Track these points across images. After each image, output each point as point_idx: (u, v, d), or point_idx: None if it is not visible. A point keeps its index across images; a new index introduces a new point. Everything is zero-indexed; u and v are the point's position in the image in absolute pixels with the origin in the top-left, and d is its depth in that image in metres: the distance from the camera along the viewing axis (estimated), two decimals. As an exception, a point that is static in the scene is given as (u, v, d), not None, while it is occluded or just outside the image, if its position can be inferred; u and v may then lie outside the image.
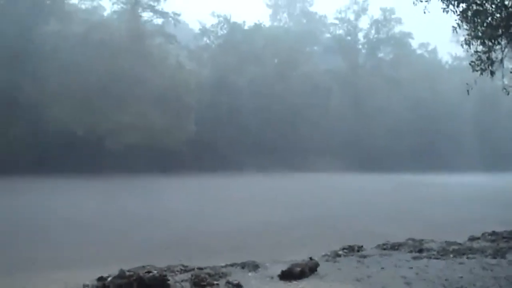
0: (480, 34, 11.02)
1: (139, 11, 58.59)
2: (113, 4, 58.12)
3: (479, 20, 10.91)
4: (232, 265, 8.42)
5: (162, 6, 60.33)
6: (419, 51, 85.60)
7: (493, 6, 10.90)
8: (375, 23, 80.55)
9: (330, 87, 68.38)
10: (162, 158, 49.35)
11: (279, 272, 7.70)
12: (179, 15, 62.04)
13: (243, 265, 8.39)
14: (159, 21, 61.55)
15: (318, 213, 19.89)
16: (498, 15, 10.80)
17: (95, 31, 50.42)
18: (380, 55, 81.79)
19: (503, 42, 11.15)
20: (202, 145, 54.43)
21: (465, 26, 11.30)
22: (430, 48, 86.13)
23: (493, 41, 11.06)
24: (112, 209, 20.47)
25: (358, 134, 67.71)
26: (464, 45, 11.56)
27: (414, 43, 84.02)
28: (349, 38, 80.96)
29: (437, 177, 48.89)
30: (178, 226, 16.07)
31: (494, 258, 8.88)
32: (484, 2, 10.87)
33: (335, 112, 68.22)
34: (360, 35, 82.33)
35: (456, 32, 11.61)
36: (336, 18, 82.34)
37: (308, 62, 69.60)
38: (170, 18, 61.08)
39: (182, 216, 18.79)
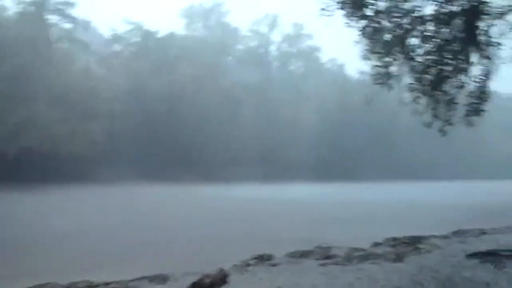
0: (379, 49, 11.69)
1: (45, 13, 55.87)
2: (17, 4, 54.88)
3: (378, 37, 11.57)
4: (140, 278, 8.12)
5: (71, 11, 58.08)
6: (327, 66, 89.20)
7: (391, 24, 11.61)
8: (287, 37, 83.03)
9: (242, 98, 69.19)
10: (64, 165, 47.07)
11: (188, 284, 7.55)
12: (89, 21, 60.26)
13: (151, 278, 8.12)
14: (67, 25, 58.98)
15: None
16: (395, 32, 11.52)
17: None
18: (291, 68, 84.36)
19: (400, 57, 11.89)
20: (113, 154, 52.71)
21: (365, 42, 11.92)
22: (338, 63, 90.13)
23: (391, 56, 11.76)
24: None
25: (268, 145, 68.91)
26: (363, 60, 12.21)
27: (324, 58, 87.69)
28: (261, 50, 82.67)
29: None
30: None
31: (394, 262, 9.34)
32: (381, 20, 11.54)
33: (247, 123, 69.04)
34: (273, 48, 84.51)
35: (357, 47, 12.23)
36: (250, 31, 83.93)
37: (222, 72, 70.00)
38: (80, 24, 58.97)
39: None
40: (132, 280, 7.94)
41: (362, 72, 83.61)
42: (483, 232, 13.94)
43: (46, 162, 46.10)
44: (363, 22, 11.79)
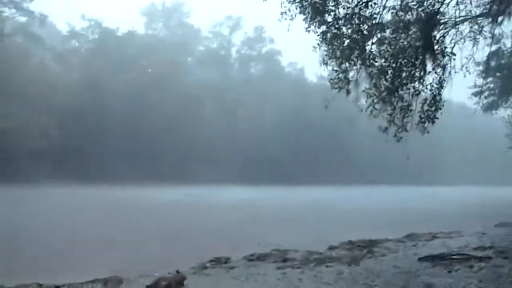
0: (338, 54, 11.88)
1: (-1, 6, 53.99)
2: (-32, -5, 52.78)
3: (337, 43, 11.76)
4: (93, 281, 7.91)
5: (27, 4, 56.28)
6: (287, 69, 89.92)
7: (350, 30, 11.83)
8: (248, 40, 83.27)
9: (203, 98, 68.86)
10: (13, 162, 45.31)
11: (144, 287, 7.42)
12: (46, 16, 58.41)
13: (105, 281, 7.92)
14: (23, 19, 57.14)
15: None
16: (354, 38, 11.73)
17: None
18: (252, 70, 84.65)
19: (358, 63, 12.11)
20: (66, 152, 51.33)
21: (323, 47, 12.09)
22: (298, 67, 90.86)
23: (349, 62, 11.98)
24: None
25: (229, 145, 68.77)
26: (322, 65, 12.38)
27: (284, 62, 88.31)
28: (222, 52, 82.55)
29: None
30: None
31: (349, 265, 9.49)
32: (341, 26, 11.74)
33: (208, 123, 68.71)
34: (233, 50, 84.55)
35: (316, 52, 12.38)
36: (211, 32, 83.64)
37: (182, 72, 69.41)
38: (36, 18, 57.09)
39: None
40: (85, 283, 7.72)
41: (321, 77, 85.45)
42: (434, 236, 14.39)
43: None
44: (323, 28, 11.94)
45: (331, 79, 12.50)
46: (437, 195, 49.38)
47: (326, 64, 12.39)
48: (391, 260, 9.93)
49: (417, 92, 12.23)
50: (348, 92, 12.40)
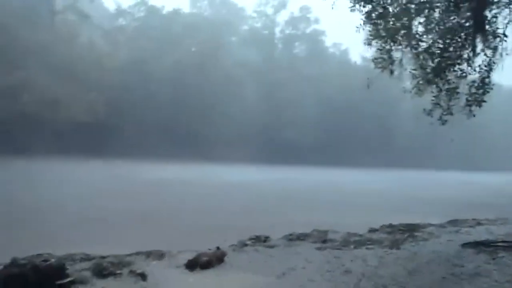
0: (383, 34, 11.58)
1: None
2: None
3: (382, 22, 11.45)
4: (136, 253, 8.15)
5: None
6: (331, 50, 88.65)
7: (397, 9, 11.49)
8: (293, 20, 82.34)
9: (244, 79, 68.89)
10: (62, 136, 47.18)
11: (185, 261, 7.60)
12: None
13: (148, 254, 8.16)
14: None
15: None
16: (400, 16, 11.40)
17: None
18: (295, 51, 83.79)
19: (404, 43, 11.78)
20: (110, 128, 52.78)
21: (368, 27, 11.79)
22: (342, 48, 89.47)
23: (394, 41, 11.67)
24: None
25: (268, 126, 68.81)
26: (366, 45, 12.10)
27: (328, 42, 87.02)
28: (266, 32, 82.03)
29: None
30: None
31: (391, 248, 9.40)
32: (387, 5, 11.42)
33: (248, 104, 68.85)
34: (277, 30, 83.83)
35: (359, 32, 12.09)
36: (255, 11, 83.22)
37: (225, 52, 69.58)
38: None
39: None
40: (129, 255, 7.98)
41: (365, 58, 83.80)
42: (478, 223, 14.03)
43: (44, 129, 46.16)
44: (368, 7, 11.65)
45: (375, 58, 12.23)
46: (483, 182, 47.83)
47: (370, 44, 12.11)
48: (433, 245, 9.75)
49: (464, 74, 11.83)
50: (391, 72, 12.11)
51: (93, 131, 50.30)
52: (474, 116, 11.97)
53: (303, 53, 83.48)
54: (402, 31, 11.63)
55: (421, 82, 11.92)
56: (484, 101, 11.88)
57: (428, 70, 11.81)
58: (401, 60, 12.18)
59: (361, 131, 74.45)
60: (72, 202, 17.98)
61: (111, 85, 54.69)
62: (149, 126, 57.88)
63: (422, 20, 11.81)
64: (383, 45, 11.93)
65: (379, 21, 11.65)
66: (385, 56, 11.99)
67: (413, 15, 11.58)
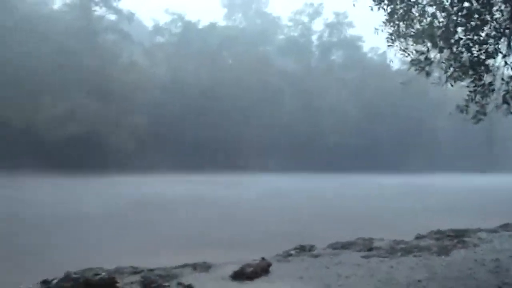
0: (410, 33, 11.28)
1: (92, 6, 57.36)
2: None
3: (406, 21, 11.17)
4: (183, 266, 8.27)
5: (116, 3, 59.80)
6: (369, 55, 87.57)
7: (435, 7, 11.20)
8: (329, 26, 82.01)
9: (282, 88, 68.88)
10: (105, 154, 48.71)
11: (231, 272, 7.64)
12: (133, 13, 61.88)
13: (194, 266, 8.26)
14: (112, 17, 60.61)
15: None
16: (439, 16, 11.11)
17: (42, 23, 49.68)
18: (333, 57, 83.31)
19: (441, 43, 11.46)
20: (153, 144, 53.91)
21: (389, 27, 11.49)
22: (379, 52, 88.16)
23: (432, 41, 11.35)
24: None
25: (308, 134, 68.41)
26: (388, 42, 11.79)
27: (365, 47, 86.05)
28: (302, 40, 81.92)
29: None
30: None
31: (439, 255, 9.14)
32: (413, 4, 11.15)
33: (286, 113, 68.73)
34: (314, 38, 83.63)
35: (377, 34, 11.80)
36: (291, 20, 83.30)
37: (263, 63, 69.83)
38: (124, 15, 60.36)
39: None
40: (176, 268, 8.09)
41: (404, 62, 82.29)
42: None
43: (89, 152, 47.69)
44: (390, 7, 11.39)
45: (412, 59, 11.96)
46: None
47: (393, 42, 11.83)
48: (485, 252, 9.42)
49: (501, 70, 11.41)
50: (428, 74, 11.81)
51: (133, 151, 51.76)
52: (511, 113, 11.49)
53: (341, 59, 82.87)
54: (440, 30, 11.31)
55: (455, 71, 11.52)
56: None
57: (464, 64, 11.40)
58: (437, 59, 11.87)
59: (402, 136, 72.99)
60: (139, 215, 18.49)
61: (153, 104, 55.85)
62: (188, 140, 58.67)
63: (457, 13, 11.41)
64: (419, 45, 11.64)
65: (407, 22, 11.33)
66: (422, 57, 11.71)
67: (450, 12, 11.25)
